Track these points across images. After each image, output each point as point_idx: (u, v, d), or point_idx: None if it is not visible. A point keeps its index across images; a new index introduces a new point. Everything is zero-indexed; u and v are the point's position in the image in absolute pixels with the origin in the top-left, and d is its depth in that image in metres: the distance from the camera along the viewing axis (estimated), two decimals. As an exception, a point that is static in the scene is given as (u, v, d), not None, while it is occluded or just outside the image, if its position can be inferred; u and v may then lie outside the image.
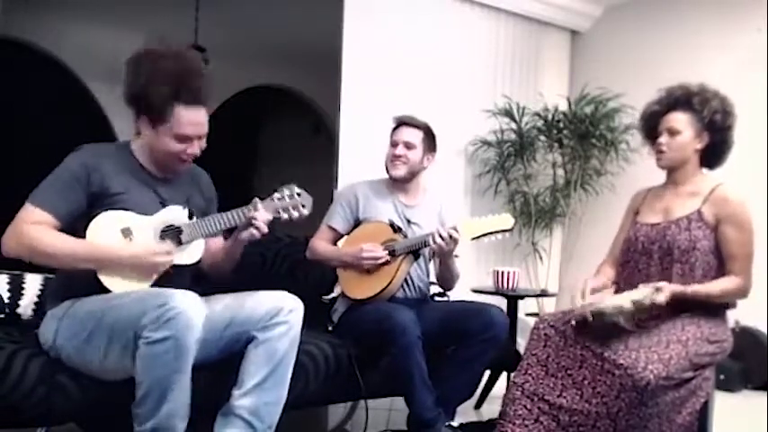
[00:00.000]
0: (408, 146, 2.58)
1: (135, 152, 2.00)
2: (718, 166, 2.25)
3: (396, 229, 2.48)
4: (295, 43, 6.42)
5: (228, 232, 2.06)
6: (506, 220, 2.36)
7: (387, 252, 2.42)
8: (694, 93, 2.18)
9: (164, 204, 1.97)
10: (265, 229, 1.99)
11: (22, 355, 1.83)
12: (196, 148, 1.96)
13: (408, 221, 2.58)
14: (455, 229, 2.35)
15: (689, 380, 1.94)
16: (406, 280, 2.51)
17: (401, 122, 2.63)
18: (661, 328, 2.01)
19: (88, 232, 1.84)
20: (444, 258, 2.45)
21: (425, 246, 2.42)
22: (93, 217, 1.86)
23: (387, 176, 2.67)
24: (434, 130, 2.67)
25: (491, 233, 2.36)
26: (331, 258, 2.56)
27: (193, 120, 1.91)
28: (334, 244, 2.62)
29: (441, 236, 2.33)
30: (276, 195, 2.04)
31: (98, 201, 1.88)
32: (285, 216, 2.03)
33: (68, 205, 1.85)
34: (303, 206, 2.04)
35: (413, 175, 2.62)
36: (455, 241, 2.34)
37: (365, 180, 2.70)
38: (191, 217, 1.97)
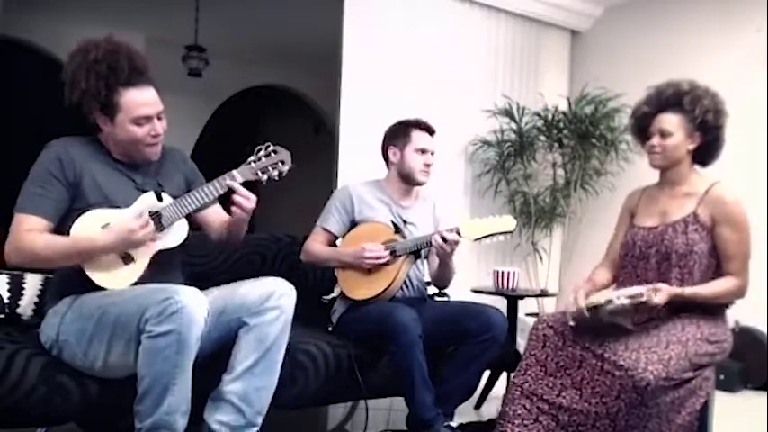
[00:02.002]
0: (432, 153, 2.61)
1: (104, 144, 1.99)
2: (712, 164, 2.23)
3: (397, 230, 2.49)
4: (295, 43, 6.43)
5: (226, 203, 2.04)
6: (508, 222, 2.37)
7: (389, 252, 2.42)
8: (685, 92, 2.14)
9: (140, 190, 1.96)
10: (249, 198, 1.97)
11: (22, 355, 1.83)
12: (158, 127, 1.94)
13: (404, 222, 2.58)
14: (457, 231, 2.36)
15: (689, 380, 1.93)
16: (404, 280, 2.51)
17: (427, 129, 2.62)
18: (661, 329, 2.01)
19: (71, 235, 1.85)
20: (445, 259, 2.45)
21: (427, 246, 2.43)
22: (77, 216, 1.86)
23: (380, 178, 2.68)
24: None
25: (492, 235, 2.37)
26: (329, 259, 2.55)
27: (144, 99, 1.89)
28: (331, 246, 2.60)
29: (444, 238, 2.33)
30: (252, 158, 2.03)
31: (78, 191, 1.88)
32: (265, 177, 2.02)
33: (53, 202, 1.86)
34: (282, 163, 2.04)
35: None
36: (457, 243, 2.35)
37: (359, 182, 2.70)
38: (160, 199, 1.96)
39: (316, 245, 2.57)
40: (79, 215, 1.86)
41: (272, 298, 1.92)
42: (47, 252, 1.81)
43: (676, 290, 2.01)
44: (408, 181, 2.61)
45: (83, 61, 1.85)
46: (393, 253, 2.42)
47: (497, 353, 2.34)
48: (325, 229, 2.58)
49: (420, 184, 2.62)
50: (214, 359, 1.92)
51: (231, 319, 1.92)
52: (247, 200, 1.97)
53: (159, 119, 1.94)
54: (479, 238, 2.37)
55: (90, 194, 1.89)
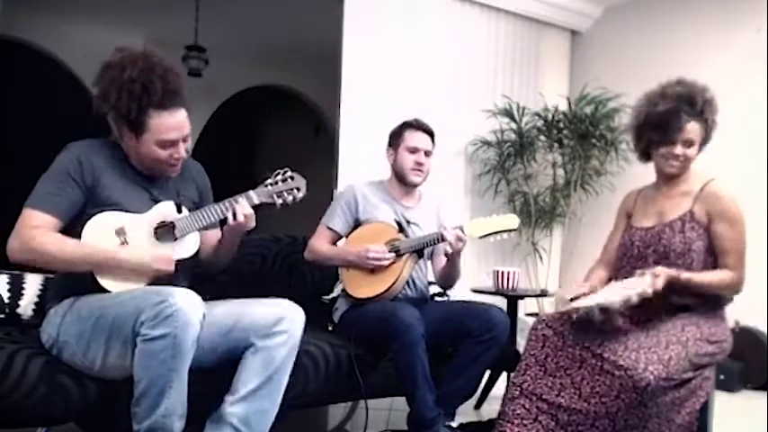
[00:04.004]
0: (427, 154, 2.61)
1: (125, 150, 1.97)
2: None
3: (401, 229, 2.49)
4: (295, 43, 6.43)
5: (223, 223, 2.05)
6: (511, 221, 2.41)
7: (393, 253, 2.43)
8: (706, 101, 2.11)
9: (155, 201, 1.96)
10: (242, 219, 1.98)
11: (22, 355, 1.83)
12: (182, 150, 1.93)
13: (408, 222, 2.58)
14: (461, 228, 2.37)
15: (689, 380, 1.93)
16: (407, 280, 2.51)
17: (421, 128, 2.62)
18: (660, 329, 2.01)
19: (83, 236, 1.84)
20: (453, 258, 2.46)
21: (431, 245, 2.44)
22: (88, 219, 1.85)
23: (384, 178, 2.69)
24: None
25: (496, 233, 2.39)
26: (333, 258, 2.56)
27: (174, 124, 1.87)
28: (333, 245, 2.61)
29: (450, 236, 2.34)
30: (269, 181, 2.04)
31: (93, 195, 1.88)
32: (280, 201, 2.03)
33: (67, 203, 1.85)
34: (298, 189, 2.05)
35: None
36: (463, 241, 2.36)
37: (364, 182, 2.70)
38: (179, 210, 1.96)
39: (320, 243, 2.57)
40: (92, 217, 1.86)
41: (283, 322, 1.91)
42: (53, 252, 1.79)
43: (673, 272, 2.00)
44: (402, 180, 2.62)
45: (117, 77, 1.82)
46: (397, 252, 2.43)
47: (499, 353, 2.34)
48: (329, 228, 2.59)
49: (413, 184, 2.62)
50: (215, 377, 1.91)
51: (239, 338, 1.91)
52: (248, 218, 1.98)
53: (184, 141, 1.93)
54: (483, 236, 2.39)
55: (104, 202, 1.88)
